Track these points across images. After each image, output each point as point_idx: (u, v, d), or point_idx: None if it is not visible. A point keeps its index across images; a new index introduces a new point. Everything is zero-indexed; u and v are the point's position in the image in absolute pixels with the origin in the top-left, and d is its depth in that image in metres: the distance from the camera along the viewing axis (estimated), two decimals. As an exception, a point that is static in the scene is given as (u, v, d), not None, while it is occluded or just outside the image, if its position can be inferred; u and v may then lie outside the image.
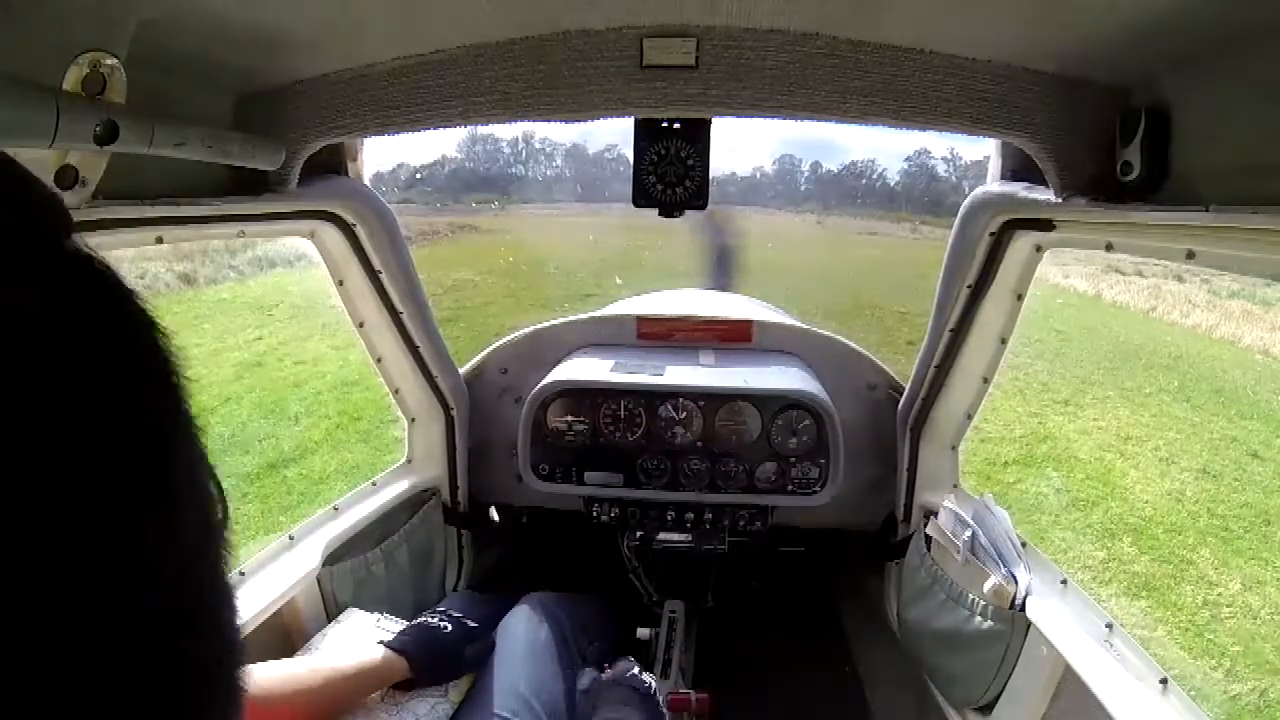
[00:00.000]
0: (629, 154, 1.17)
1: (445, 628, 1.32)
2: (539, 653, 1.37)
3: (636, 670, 1.32)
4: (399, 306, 1.52)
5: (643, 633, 1.46)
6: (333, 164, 1.25)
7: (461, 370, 1.84)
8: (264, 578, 1.31)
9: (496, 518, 2.10)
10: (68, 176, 0.69)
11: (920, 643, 1.55)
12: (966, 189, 1.28)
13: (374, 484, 1.68)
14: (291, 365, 7.54)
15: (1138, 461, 6.03)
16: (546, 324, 1.93)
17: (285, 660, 1.19)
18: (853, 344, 1.88)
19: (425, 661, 1.25)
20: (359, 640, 1.33)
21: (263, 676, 1.07)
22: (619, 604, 1.76)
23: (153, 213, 0.89)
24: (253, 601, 1.23)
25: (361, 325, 1.53)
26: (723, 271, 6.13)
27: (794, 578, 2.21)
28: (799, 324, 2.02)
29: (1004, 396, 7.08)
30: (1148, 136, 0.84)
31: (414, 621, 1.35)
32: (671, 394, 1.68)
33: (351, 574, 1.50)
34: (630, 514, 1.77)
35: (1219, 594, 4.31)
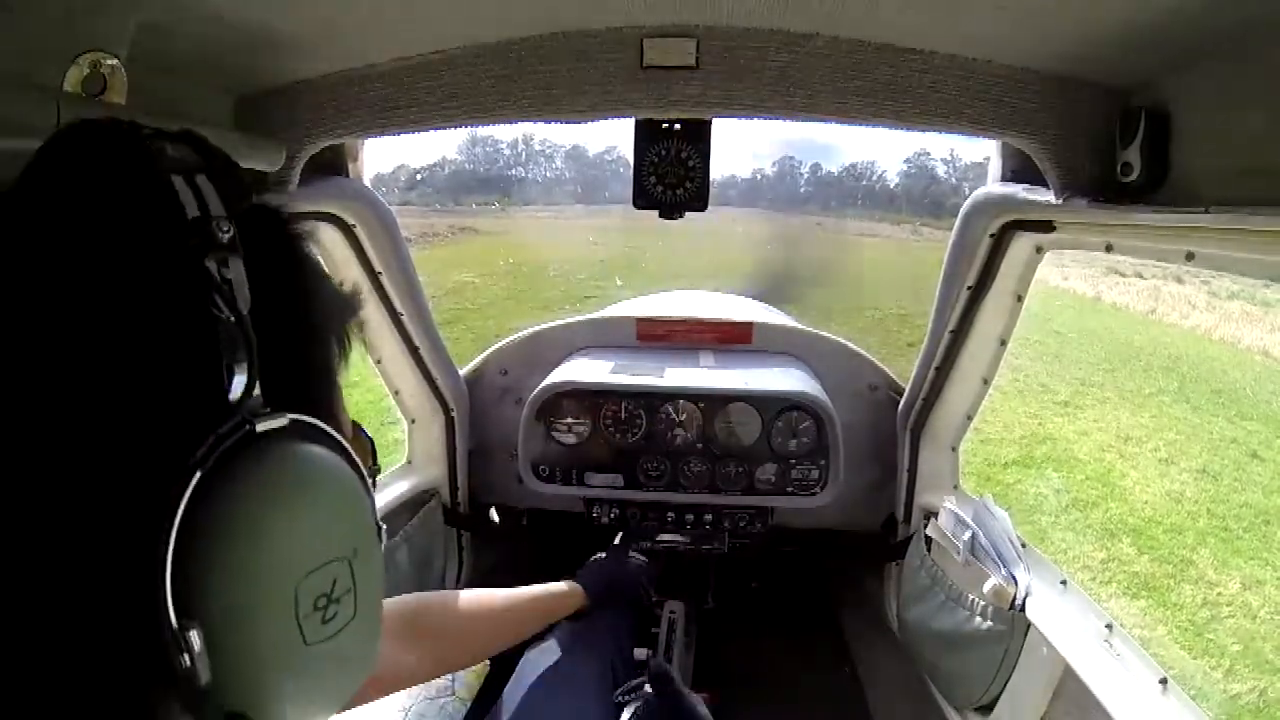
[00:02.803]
0: (629, 155, 1.17)
1: (624, 562, 1.46)
2: (580, 687, 1.27)
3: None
4: (399, 308, 1.52)
5: (640, 653, 1.45)
6: (333, 165, 1.24)
7: (462, 371, 1.84)
8: None
9: (497, 519, 2.09)
10: (68, 177, 0.69)
11: (920, 643, 1.54)
12: (966, 191, 1.28)
13: (373, 485, 1.67)
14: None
15: (1137, 462, 6.03)
16: (546, 325, 1.92)
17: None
18: (853, 345, 1.87)
19: (601, 591, 1.35)
20: None
21: (443, 597, 1.19)
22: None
23: None
24: None
25: (361, 327, 1.53)
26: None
27: (794, 579, 2.21)
28: (799, 325, 2.02)
29: (1004, 398, 7.08)
30: (1148, 137, 0.84)
31: (591, 560, 1.46)
32: (671, 395, 1.68)
33: None
34: (630, 515, 1.76)
35: (1218, 594, 4.32)
